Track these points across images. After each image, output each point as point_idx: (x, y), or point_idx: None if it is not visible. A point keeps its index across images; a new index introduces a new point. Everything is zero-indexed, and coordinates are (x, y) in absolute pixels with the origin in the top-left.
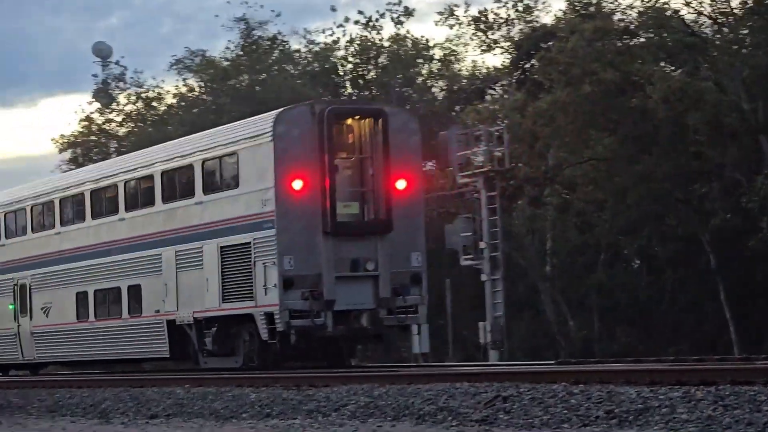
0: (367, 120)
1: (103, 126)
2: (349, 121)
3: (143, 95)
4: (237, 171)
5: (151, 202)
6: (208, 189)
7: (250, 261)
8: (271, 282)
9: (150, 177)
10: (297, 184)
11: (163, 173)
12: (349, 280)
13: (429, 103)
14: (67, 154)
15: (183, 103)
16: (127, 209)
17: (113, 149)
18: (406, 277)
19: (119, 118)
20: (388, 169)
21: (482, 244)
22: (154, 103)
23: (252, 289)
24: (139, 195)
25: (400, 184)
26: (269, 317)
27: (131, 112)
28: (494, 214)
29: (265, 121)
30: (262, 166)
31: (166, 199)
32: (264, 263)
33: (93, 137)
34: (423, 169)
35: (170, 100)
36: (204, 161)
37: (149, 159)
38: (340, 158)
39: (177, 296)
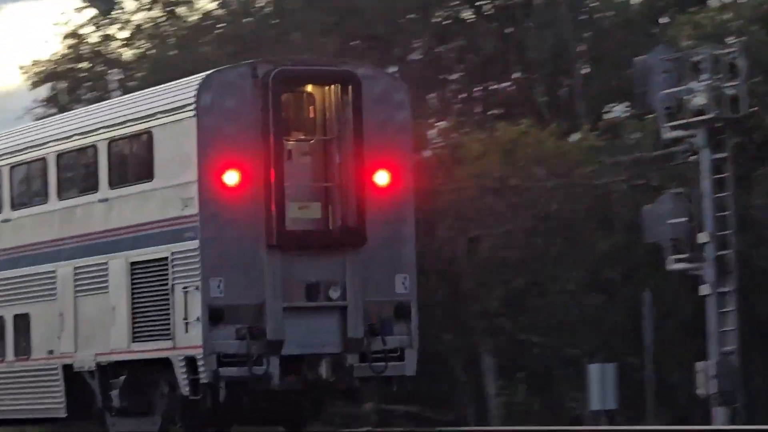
0: (334, 87)
1: (99, 47)
2: (309, 88)
3: None
4: (151, 157)
5: (44, 198)
6: (115, 181)
7: (168, 284)
8: (193, 314)
9: (42, 160)
10: (230, 178)
11: (58, 156)
12: (305, 312)
13: (620, 12)
14: (43, 90)
15: (224, 10)
16: (13, 206)
17: (115, 83)
18: (387, 308)
19: (124, 34)
20: (361, 157)
21: (703, 237)
22: (181, 9)
23: (170, 324)
24: (30, 187)
25: (381, 178)
26: (191, 363)
27: (143, 24)
28: (724, 189)
29: (186, 87)
30: (183, 151)
31: (62, 194)
32: (185, 288)
33: (83, 63)
34: (413, 155)
35: (206, 3)
36: (111, 141)
37: (43, 135)
38: (294, 140)
39: (75, 332)
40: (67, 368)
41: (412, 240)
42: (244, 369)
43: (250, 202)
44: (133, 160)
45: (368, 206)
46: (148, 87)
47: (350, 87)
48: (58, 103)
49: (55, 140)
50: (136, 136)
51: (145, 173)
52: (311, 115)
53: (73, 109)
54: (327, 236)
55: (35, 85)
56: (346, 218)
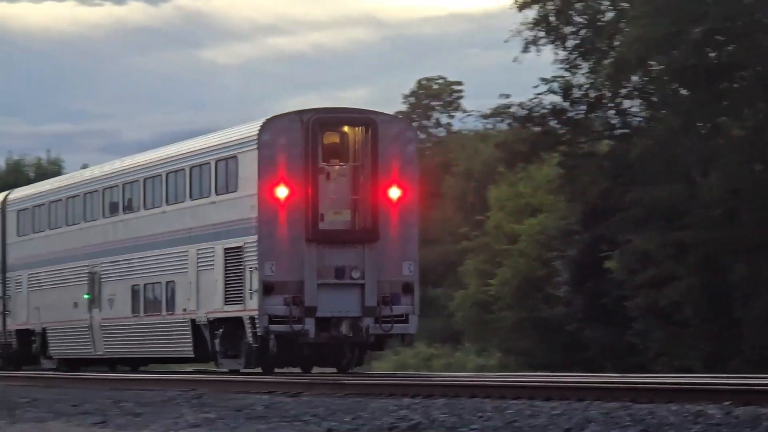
0: (360, 128)
1: None
2: (346, 128)
3: None
4: (237, 174)
5: (183, 198)
6: (219, 190)
7: (242, 265)
8: (254, 287)
9: (182, 171)
10: (281, 192)
11: (191, 168)
12: (334, 287)
13: None
14: (531, 12)
15: None
16: (167, 202)
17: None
18: (396, 286)
19: None
20: (376, 178)
21: None
22: None
23: (243, 294)
24: (177, 189)
25: (393, 193)
26: (253, 321)
27: None
28: None
29: (253, 127)
30: (252, 172)
31: (192, 196)
32: (250, 268)
33: None
34: (419, 177)
35: None
36: (217, 161)
37: (178, 153)
38: (333, 165)
39: (197, 295)
40: (192, 322)
41: (416, 237)
42: (287, 326)
43: (295, 209)
44: (229, 176)
45: (382, 213)
46: None
47: (370, 129)
48: (548, 26)
49: (188, 158)
50: (230, 158)
51: (233, 186)
52: (346, 148)
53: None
54: (348, 234)
55: (522, 6)
56: (365, 222)
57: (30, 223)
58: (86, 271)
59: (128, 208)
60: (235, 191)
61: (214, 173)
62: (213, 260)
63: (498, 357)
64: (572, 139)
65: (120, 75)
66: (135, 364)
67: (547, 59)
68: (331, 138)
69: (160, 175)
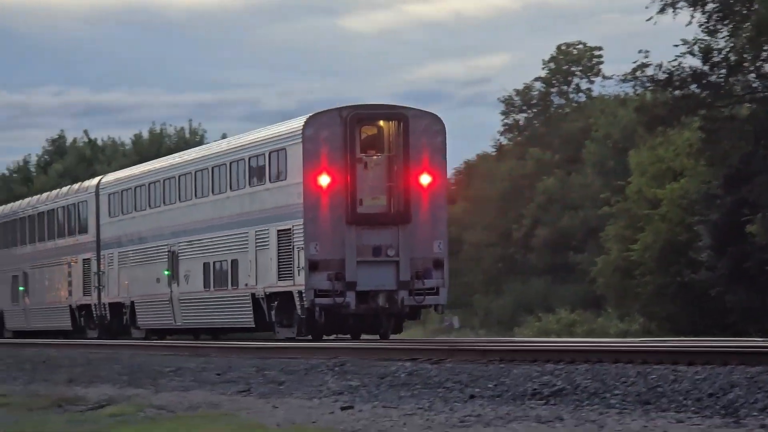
0: (393, 122)
1: None
2: (381, 122)
3: None
4: (286, 165)
5: (243, 185)
6: (272, 178)
7: (291, 245)
8: (301, 265)
9: (243, 161)
10: (323, 180)
11: (249, 158)
12: (372, 264)
13: None
14: None
15: None
16: (231, 188)
17: None
18: (428, 262)
19: None
20: (408, 166)
21: None
22: None
23: (292, 270)
24: (238, 177)
25: (424, 179)
26: (300, 295)
27: None
28: None
29: (298, 123)
30: (298, 163)
31: (251, 183)
32: (298, 248)
33: None
34: (446, 165)
35: None
36: (270, 152)
37: (243, 143)
38: (369, 156)
39: (256, 272)
40: (252, 296)
41: (445, 218)
42: (331, 299)
43: (336, 195)
44: (279, 166)
45: (414, 197)
46: None
47: (402, 123)
48: None
49: (247, 149)
50: (280, 150)
51: (283, 175)
52: (382, 140)
53: None
54: (382, 217)
55: None
56: (398, 206)
57: (119, 205)
58: (166, 249)
59: (200, 193)
60: (284, 179)
61: (268, 163)
62: (268, 241)
63: (640, 322)
64: (712, 102)
65: (260, 44)
66: (208, 333)
67: (686, 26)
68: (368, 131)
69: (225, 164)
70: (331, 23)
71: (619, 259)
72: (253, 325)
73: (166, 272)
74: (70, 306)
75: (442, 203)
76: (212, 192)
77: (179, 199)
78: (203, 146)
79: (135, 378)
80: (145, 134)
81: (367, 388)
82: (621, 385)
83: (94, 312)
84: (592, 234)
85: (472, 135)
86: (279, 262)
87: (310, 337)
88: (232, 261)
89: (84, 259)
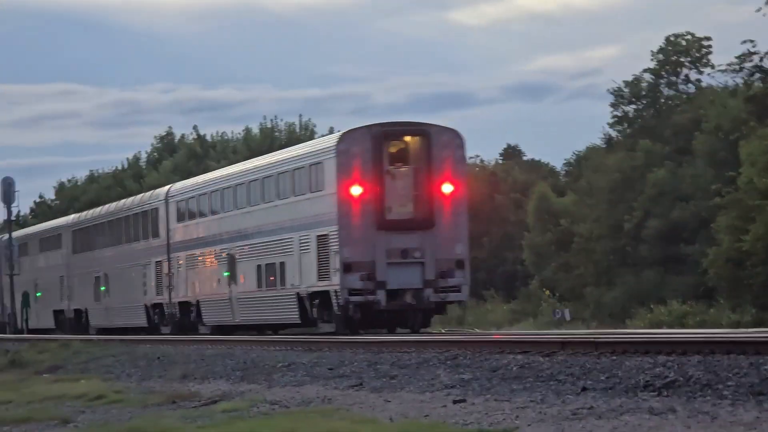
0: (418, 137)
1: None
2: (408, 138)
3: None
4: (323, 177)
5: (288, 194)
6: (312, 188)
7: (328, 249)
8: (336, 266)
9: (288, 173)
10: (355, 190)
11: (294, 171)
12: (400, 265)
13: None
14: None
15: None
16: (279, 197)
17: None
18: (451, 262)
19: None
20: (431, 177)
21: None
22: None
23: (329, 271)
24: (285, 187)
25: (446, 189)
26: (336, 294)
27: None
28: None
29: (332, 139)
30: (333, 175)
31: (295, 193)
32: (334, 251)
33: None
34: (465, 176)
35: None
36: (310, 165)
37: (288, 157)
38: (397, 168)
39: (300, 273)
40: (297, 295)
41: (465, 223)
42: (363, 297)
43: (367, 204)
44: (318, 178)
45: (437, 205)
46: None
47: (425, 138)
48: None
49: (291, 162)
50: (318, 163)
51: (321, 185)
52: (409, 154)
53: None
54: (409, 222)
55: None
56: (423, 212)
57: (186, 211)
58: (226, 253)
59: (253, 201)
60: (322, 190)
61: (309, 175)
62: (309, 245)
63: (752, 313)
64: None
65: (369, 38)
66: (263, 329)
67: None
68: (395, 146)
69: (273, 175)
70: (440, 17)
71: (730, 250)
72: (299, 321)
73: (226, 273)
74: (145, 305)
75: (462, 209)
76: (263, 200)
77: (236, 206)
78: (257, 158)
79: (248, 374)
80: (255, 130)
81: (479, 381)
82: (733, 376)
83: (165, 310)
84: (703, 225)
85: (582, 127)
86: (319, 264)
87: (347, 331)
88: (281, 263)
89: (156, 262)
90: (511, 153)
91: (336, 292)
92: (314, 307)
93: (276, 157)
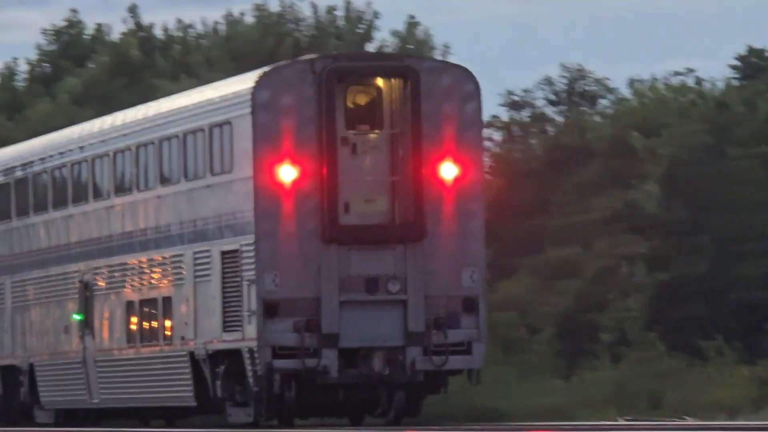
0: (398, 81)
1: None
2: (379, 81)
3: None
4: (232, 149)
5: (174, 179)
6: (214, 169)
7: (239, 276)
8: (253, 306)
9: (176, 138)
10: (286, 173)
11: (186, 135)
12: (364, 306)
13: None
14: None
15: None
16: (161, 183)
17: None
18: (454, 301)
19: None
20: (419, 151)
21: None
22: None
23: (241, 315)
24: (172, 163)
25: (447, 172)
26: (252, 355)
27: None
28: None
29: (246, 82)
30: (247, 146)
31: (186, 176)
32: (248, 280)
33: None
34: (482, 148)
35: None
36: (211, 127)
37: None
38: (361, 134)
39: (195, 318)
40: (191, 356)
41: (481, 232)
42: (298, 362)
43: (307, 197)
44: (223, 150)
45: (432, 200)
46: None
47: (410, 81)
48: None
49: (183, 120)
50: (224, 123)
51: (228, 164)
52: (379, 109)
53: None
54: (385, 230)
55: None
56: (406, 213)
57: (8, 203)
58: (77, 279)
59: (119, 188)
60: (229, 171)
61: (209, 144)
62: (209, 268)
63: None
64: None
65: None
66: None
67: None
68: (359, 96)
69: (152, 141)
70: None
71: None
72: (194, 403)
73: (77, 317)
74: None
75: (476, 208)
76: (137, 187)
77: (94, 196)
78: (132, 108)
79: None
80: (249, 18)
81: None
82: None
83: None
84: None
85: None
86: (224, 302)
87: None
88: (164, 299)
89: None
90: None
91: (252, 351)
92: (217, 378)
93: (162, 106)
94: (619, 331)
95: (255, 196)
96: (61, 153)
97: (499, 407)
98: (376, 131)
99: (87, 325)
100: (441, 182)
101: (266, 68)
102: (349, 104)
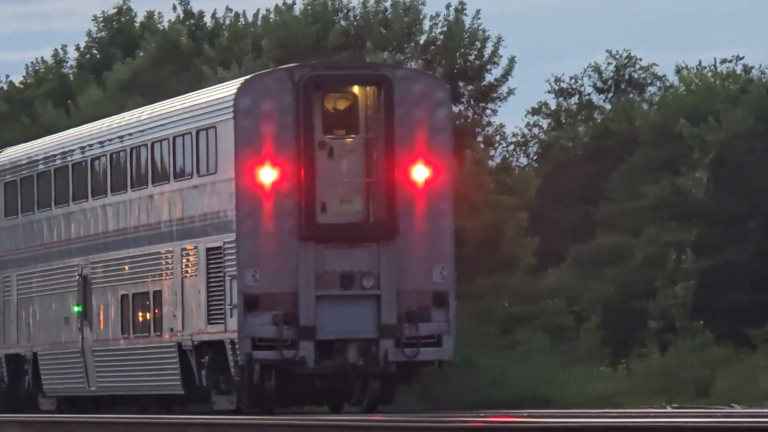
0: (374, 87)
1: None
2: (356, 88)
3: None
4: (216, 151)
5: (164, 178)
6: (200, 170)
7: (223, 272)
8: (235, 300)
9: (166, 141)
10: (266, 175)
11: (175, 138)
12: (340, 300)
13: None
14: None
15: None
16: (153, 182)
17: None
18: (425, 296)
19: None
20: (392, 154)
21: None
22: None
23: (224, 309)
24: (163, 164)
25: (419, 174)
26: (233, 346)
27: None
28: None
29: (228, 89)
30: (230, 149)
31: (176, 176)
32: (230, 276)
33: None
34: (452, 152)
35: None
36: (198, 131)
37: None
38: (338, 138)
39: (183, 311)
40: (179, 347)
41: (450, 231)
42: (277, 353)
43: (286, 198)
44: (209, 152)
45: (403, 200)
46: None
47: (383, 89)
48: None
49: (172, 124)
50: (209, 128)
51: (213, 166)
52: (356, 115)
53: None
54: (359, 229)
55: None
56: (380, 213)
57: (16, 199)
58: (77, 273)
59: (115, 186)
60: (214, 173)
61: (195, 147)
62: (197, 264)
63: None
64: None
65: None
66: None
67: None
68: (336, 102)
69: (144, 144)
70: None
71: None
72: (182, 391)
73: (77, 309)
74: None
75: (446, 208)
76: (131, 186)
77: (92, 194)
78: (127, 113)
79: None
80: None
81: None
82: None
83: None
84: None
85: None
86: (209, 296)
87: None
88: (155, 293)
89: None
90: None
91: (233, 343)
92: (203, 368)
93: (156, 110)
94: (667, 318)
95: (236, 197)
96: (63, 153)
97: (546, 394)
98: (352, 136)
99: (85, 317)
100: (413, 184)
101: (247, 76)
102: (327, 110)
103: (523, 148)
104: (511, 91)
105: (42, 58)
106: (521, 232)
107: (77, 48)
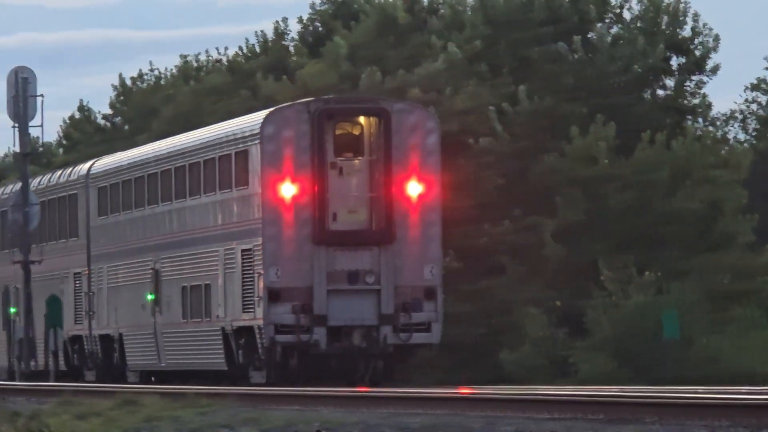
0: (376, 118)
1: None
2: (361, 118)
3: None
4: (247, 170)
5: (212, 190)
6: (237, 184)
7: (253, 269)
8: (260, 294)
9: (213, 160)
10: (287, 190)
11: (220, 158)
12: (347, 294)
13: None
14: None
15: None
16: (205, 192)
17: None
18: (417, 291)
19: None
20: (390, 174)
21: None
22: None
23: (253, 300)
24: (211, 179)
25: (413, 189)
26: (260, 331)
27: None
28: None
29: (257, 119)
30: (258, 168)
31: (221, 189)
32: (258, 273)
33: None
34: (440, 172)
35: None
36: (236, 153)
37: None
38: (346, 159)
39: (225, 300)
40: (222, 330)
41: (438, 237)
42: (295, 337)
43: (303, 209)
44: (243, 170)
45: (399, 211)
46: None
47: (383, 119)
48: None
49: (217, 146)
50: (243, 151)
51: (245, 182)
52: (360, 140)
53: None
54: (362, 235)
55: None
56: (381, 221)
57: (108, 201)
58: (150, 267)
59: (178, 194)
60: (246, 188)
61: (234, 166)
62: (234, 262)
63: None
64: None
65: None
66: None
67: None
68: (344, 129)
69: (198, 161)
70: None
71: None
72: (225, 368)
73: (150, 296)
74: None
75: (435, 218)
76: (189, 195)
77: (162, 200)
78: (200, 130)
79: None
80: None
81: None
82: None
83: (86, 347)
84: None
85: None
86: (243, 289)
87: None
88: (206, 286)
89: (75, 274)
90: None
91: (260, 328)
92: (240, 348)
93: (208, 133)
94: None
95: (262, 208)
96: (142, 165)
97: (765, 372)
98: (359, 158)
99: (157, 303)
100: (407, 198)
101: (271, 108)
102: (338, 136)
103: (741, 123)
104: (717, 66)
105: (262, 31)
106: (740, 209)
107: (300, 20)
